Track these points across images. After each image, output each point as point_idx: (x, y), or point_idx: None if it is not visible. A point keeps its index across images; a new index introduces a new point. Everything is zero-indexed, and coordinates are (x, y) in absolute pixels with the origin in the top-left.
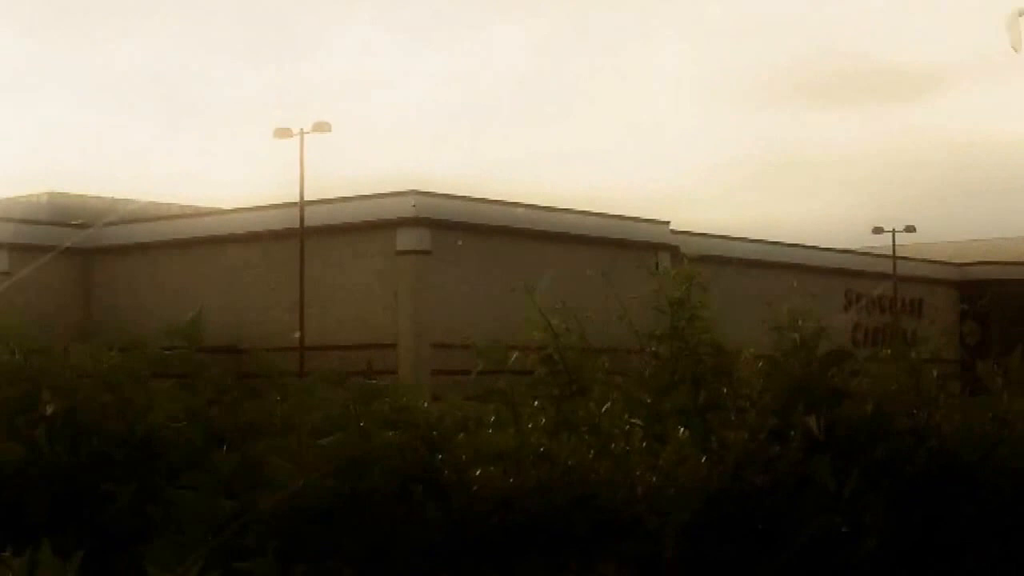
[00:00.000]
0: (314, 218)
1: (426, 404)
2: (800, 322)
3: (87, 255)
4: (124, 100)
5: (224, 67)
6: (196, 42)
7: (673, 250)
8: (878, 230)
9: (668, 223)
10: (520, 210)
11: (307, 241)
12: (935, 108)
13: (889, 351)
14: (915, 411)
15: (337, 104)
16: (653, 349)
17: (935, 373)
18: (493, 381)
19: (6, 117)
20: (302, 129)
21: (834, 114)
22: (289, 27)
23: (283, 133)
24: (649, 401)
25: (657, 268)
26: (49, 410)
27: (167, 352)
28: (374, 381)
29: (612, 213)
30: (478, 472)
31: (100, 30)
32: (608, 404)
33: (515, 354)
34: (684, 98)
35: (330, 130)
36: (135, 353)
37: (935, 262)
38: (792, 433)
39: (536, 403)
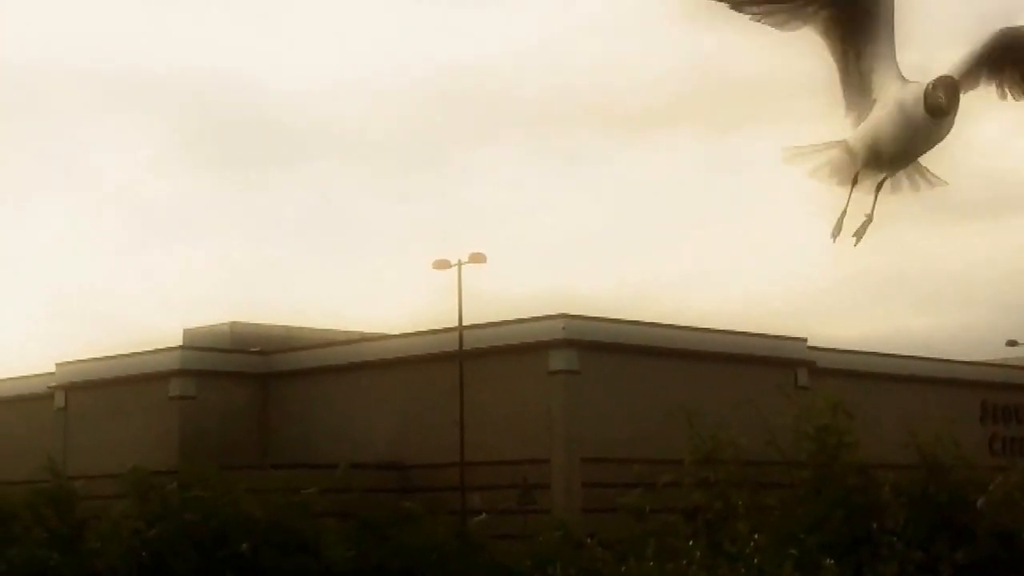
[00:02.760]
0: (471, 342)
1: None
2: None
3: (265, 379)
4: (295, 235)
5: (384, 200)
6: (357, 178)
7: (810, 365)
8: (1012, 343)
9: (805, 340)
10: (662, 330)
11: (465, 363)
12: None
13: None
14: None
15: (490, 230)
16: (801, 476)
17: None
18: (645, 495)
19: (192, 253)
20: (459, 260)
21: (965, 228)
22: (442, 164)
23: (441, 264)
24: (802, 537)
25: (796, 384)
26: (244, 547)
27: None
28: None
29: (750, 331)
30: None
31: (271, 172)
32: (758, 535)
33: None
34: (814, 215)
35: (485, 261)
36: (301, 497)
37: None
38: (940, 566)
39: (690, 528)
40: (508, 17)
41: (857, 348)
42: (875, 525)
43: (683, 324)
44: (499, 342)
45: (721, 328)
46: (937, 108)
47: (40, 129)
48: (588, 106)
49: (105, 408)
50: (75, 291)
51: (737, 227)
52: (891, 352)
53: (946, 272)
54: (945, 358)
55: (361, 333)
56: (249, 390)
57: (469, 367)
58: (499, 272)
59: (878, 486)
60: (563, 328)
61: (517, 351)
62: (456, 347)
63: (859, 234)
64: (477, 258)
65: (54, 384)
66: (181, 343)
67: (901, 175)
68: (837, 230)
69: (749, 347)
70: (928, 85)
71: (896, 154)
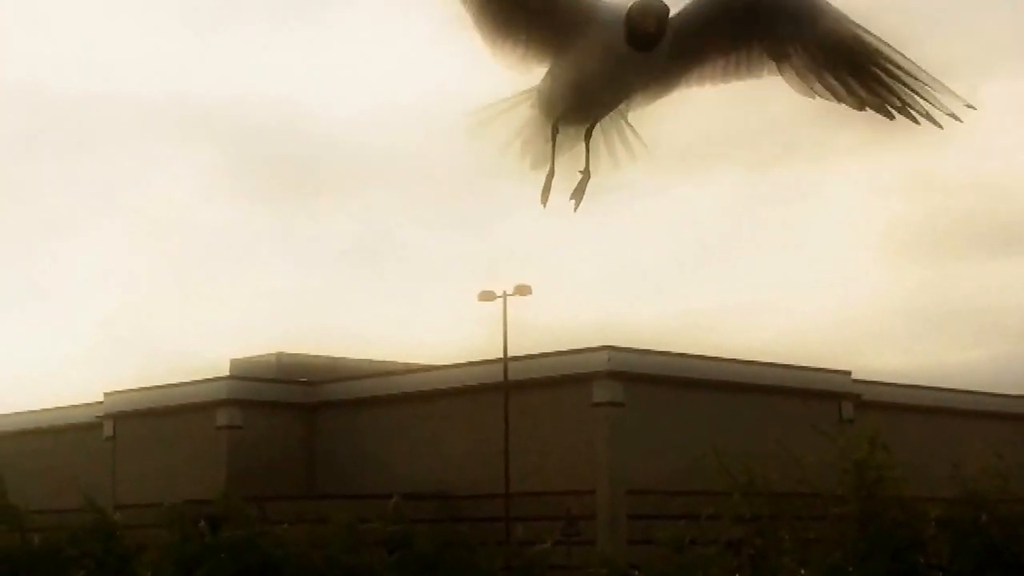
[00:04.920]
0: (516, 373)
1: None
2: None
3: (312, 409)
4: (342, 265)
5: (430, 231)
6: (403, 209)
7: (855, 398)
8: None
9: (849, 373)
10: (707, 362)
11: (510, 394)
12: None
13: None
14: None
15: (536, 261)
16: (838, 511)
17: None
18: (687, 527)
19: (239, 283)
20: (505, 292)
21: (1012, 260)
22: (488, 194)
23: (487, 296)
24: (850, 570)
25: (841, 417)
26: None
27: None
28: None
29: (795, 364)
30: None
31: (317, 201)
32: (803, 570)
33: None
34: (860, 248)
35: (530, 292)
36: (347, 530)
37: None
38: None
39: (735, 562)
40: None
41: (903, 381)
42: (921, 560)
43: (728, 356)
44: (544, 374)
45: (766, 360)
46: (640, 36)
47: (87, 157)
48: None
49: (153, 437)
50: (123, 320)
51: (782, 259)
52: (937, 385)
53: (994, 304)
54: (992, 391)
55: (407, 364)
56: (296, 420)
57: (514, 398)
58: (545, 303)
59: (922, 520)
60: (608, 360)
61: (562, 383)
62: (501, 378)
63: (578, 194)
64: (523, 290)
65: (102, 413)
66: (228, 373)
67: (600, 139)
68: (545, 194)
69: (794, 380)
70: (631, 8)
71: (599, 96)
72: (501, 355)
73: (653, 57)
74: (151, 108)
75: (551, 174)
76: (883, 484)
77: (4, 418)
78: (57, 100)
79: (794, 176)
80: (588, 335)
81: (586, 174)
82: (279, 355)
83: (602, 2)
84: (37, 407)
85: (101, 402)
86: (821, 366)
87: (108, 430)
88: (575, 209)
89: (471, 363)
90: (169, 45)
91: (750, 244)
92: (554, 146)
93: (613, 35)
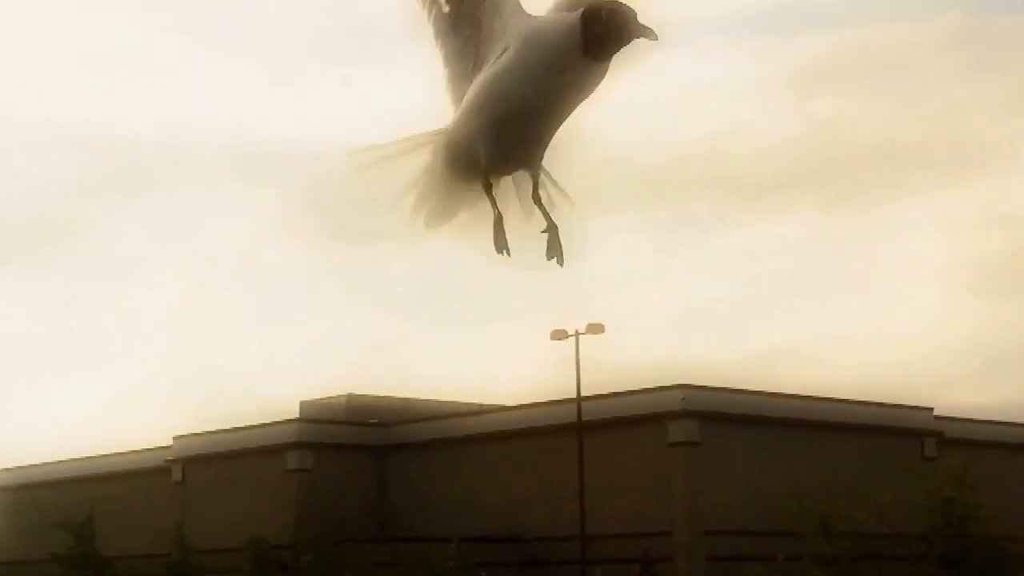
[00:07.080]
0: (590, 413)
1: None
2: None
3: (383, 452)
4: (412, 305)
5: (501, 270)
6: (472, 247)
7: (938, 435)
8: None
9: (931, 409)
10: (784, 400)
11: (584, 435)
12: None
13: None
14: None
15: (608, 299)
16: (921, 551)
17: None
18: (770, 569)
19: (309, 325)
20: (577, 331)
21: None
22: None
23: (559, 335)
24: None
25: (923, 455)
26: None
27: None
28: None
29: (875, 401)
30: None
31: (386, 242)
32: None
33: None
34: (937, 284)
35: (603, 331)
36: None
37: None
38: None
39: None
40: (620, 84)
41: (987, 417)
42: None
43: (806, 394)
44: (618, 413)
45: (845, 398)
46: (605, 40)
47: (152, 199)
48: (704, 173)
49: (222, 481)
50: (191, 363)
51: (859, 295)
52: (1021, 422)
53: None
54: None
55: (479, 405)
56: (366, 463)
57: (588, 438)
58: (618, 342)
59: (1014, 561)
60: (683, 399)
61: (636, 422)
62: (574, 418)
63: (554, 250)
64: (595, 328)
65: (171, 458)
66: (298, 415)
67: (511, 192)
68: (502, 243)
69: (874, 417)
70: (599, 10)
71: (527, 123)
72: (574, 395)
73: (603, 69)
74: (217, 148)
75: (500, 221)
76: (969, 523)
77: (72, 463)
78: (122, 142)
79: (869, 212)
80: (662, 373)
81: (552, 224)
82: (349, 396)
83: (532, 17)
84: (105, 452)
85: (170, 446)
86: (901, 403)
87: (177, 474)
88: (561, 264)
89: (544, 403)
90: (236, 89)
91: (826, 280)
92: (492, 193)
93: (561, 40)
